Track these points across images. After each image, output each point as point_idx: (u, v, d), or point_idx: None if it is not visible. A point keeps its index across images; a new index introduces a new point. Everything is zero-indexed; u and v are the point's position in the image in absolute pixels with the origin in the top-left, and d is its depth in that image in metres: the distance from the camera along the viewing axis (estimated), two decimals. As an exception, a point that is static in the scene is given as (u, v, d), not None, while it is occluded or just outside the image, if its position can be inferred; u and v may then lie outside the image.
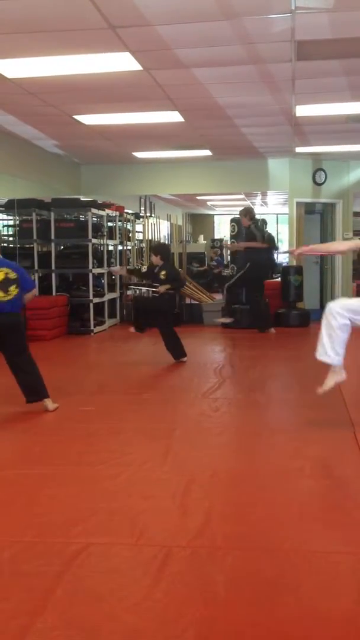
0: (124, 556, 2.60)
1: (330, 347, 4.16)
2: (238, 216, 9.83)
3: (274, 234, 19.30)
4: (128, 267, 8.93)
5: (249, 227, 9.45)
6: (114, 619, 2.14)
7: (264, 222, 11.22)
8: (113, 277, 9.36)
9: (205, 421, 4.64)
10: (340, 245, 4.32)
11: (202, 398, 5.35)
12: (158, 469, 3.59)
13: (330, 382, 4.26)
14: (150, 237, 11.91)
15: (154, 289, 7.01)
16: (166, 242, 12.73)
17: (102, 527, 2.86)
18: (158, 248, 7.37)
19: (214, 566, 2.50)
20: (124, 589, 2.32)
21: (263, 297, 9.56)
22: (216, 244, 17.58)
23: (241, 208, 9.97)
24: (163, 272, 6.96)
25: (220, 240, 12.28)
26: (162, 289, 6.90)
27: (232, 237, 10.34)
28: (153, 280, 7.02)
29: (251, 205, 9.81)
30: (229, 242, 10.23)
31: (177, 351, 6.89)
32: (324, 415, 4.65)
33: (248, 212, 9.56)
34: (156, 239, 12.21)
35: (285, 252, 4.25)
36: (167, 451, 3.89)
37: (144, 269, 7.49)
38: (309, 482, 3.45)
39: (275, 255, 10.09)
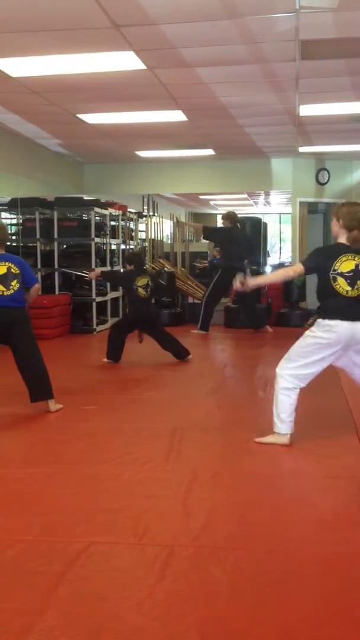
0: (126, 555, 2.60)
1: (275, 414, 3.94)
2: (241, 216, 9.83)
3: (276, 233, 19.36)
4: (103, 270, 8.75)
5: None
6: (117, 618, 2.14)
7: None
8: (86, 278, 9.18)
9: (208, 420, 4.64)
10: (276, 275, 3.99)
11: (204, 397, 5.35)
12: (161, 469, 3.59)
13: (268, 439, 3.99)
14: (153, 237, 11.91)
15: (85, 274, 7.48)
16: (169, 241, 12.73)
17: (104, 527, 2.86)
18: (130, 258, 7.19)
19: (217, 566, 2.49)
20: (126, 589, 2.32)
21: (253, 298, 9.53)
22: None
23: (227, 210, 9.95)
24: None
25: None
26: (92, 274, 7.56)
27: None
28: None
29: (234, 212, 9.76)
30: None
31: (180, 351, 6.87)
32: (327, 417, 4.65)
33: (229, 217, 9.47)
34: (159, 239, 12.21)
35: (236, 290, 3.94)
36: (169, 450, 3.89)
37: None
38: (312, 483, 3.45)
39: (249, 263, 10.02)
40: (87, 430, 4.38)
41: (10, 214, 10.11)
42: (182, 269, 11.13)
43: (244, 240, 9.43)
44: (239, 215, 9.80)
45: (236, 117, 7.64)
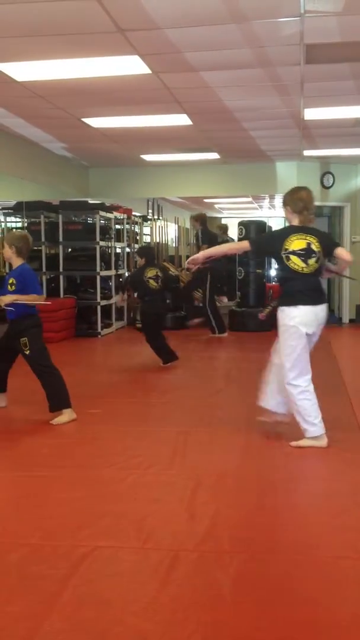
0: (130, 560, 2.59)
1: (303, 421, 3.97)
2: (246, 219, 9.85)
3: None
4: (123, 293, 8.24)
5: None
6: (121, 622, 2.14)
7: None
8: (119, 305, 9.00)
9: (212, 424, 4.64)
10: (222, 247, 4.66)
11: (209, 401, 5.35)
12: (165, 472, 3.59)
13: (305, 442, 4.01)
14: (157, 240, 11.92)
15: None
16: (174, 244, 12.73)
17: (109, 531, 2.86)
18: (142, 251, 7.21)
19: (221, 570, 2.49)
20: (130, 593, 2.32)
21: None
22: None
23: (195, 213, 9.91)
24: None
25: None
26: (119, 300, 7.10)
27: (239, 239, 10.32)
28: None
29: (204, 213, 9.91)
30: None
31: (165, 355, 6.86)
32: (331, 420, 4.63)
33: (199, 218, 9.57)
34: (164, 242, 12.22)
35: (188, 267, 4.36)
36: (174, 454, 3.89)
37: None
38: (317, 486, 3.45)
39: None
40: (92, 433, 4.39)
41: (16, 217, 10.14)
42: (187, 272, 11.12)
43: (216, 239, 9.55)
44: (245, 218, 9.86)
45: (241, 120, 7.64)
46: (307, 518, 3.03)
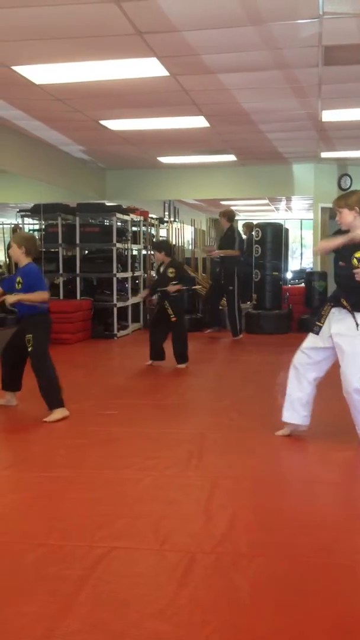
0: (148, 561, 2.59)
1: None
2: (262, 222, 9.79)
3: (297, 239, 19.30)
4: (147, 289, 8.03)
5: (226, 231, 9.33)
6: (138, 624, 2.14)
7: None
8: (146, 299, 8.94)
9: (229, 426, 4.63)
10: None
11: (225, 402, 5.33)
12: (182, 474, 3.59)
13: None
14: (174, 242, 11.92)
15: (162, 289, 6.79)
16: (190, 247, 12.73)
17: (126, 532, 2.86)
18: (160, 244, 7.20)
19: (238, 572, 2.48)
20: (148, 595, 2.32)
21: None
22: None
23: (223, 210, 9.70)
24: (170, 270, 6.86)
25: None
26: (172, 288, 6.70)
27: (255, 242, 10.31)
28: (161, 279, 6.90)
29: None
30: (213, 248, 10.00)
31: (181, 356, 6.89)
32: (349, 422, 4.60)
33: (228, 214, 9.41)
34: (180, 244, 12.22)
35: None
36: (190, 456, 3.88)
37: (155, 274, 7.08)
38: (334, 489, 3.42)
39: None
40: (108, 435, 4.39)
41: (33, 219, 10.20)
42: (203, 274, 11.13)
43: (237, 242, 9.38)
44: (260, 221, 9.78)
45: (258, 122, 7.63)
46: (324, 521, 3.01)
